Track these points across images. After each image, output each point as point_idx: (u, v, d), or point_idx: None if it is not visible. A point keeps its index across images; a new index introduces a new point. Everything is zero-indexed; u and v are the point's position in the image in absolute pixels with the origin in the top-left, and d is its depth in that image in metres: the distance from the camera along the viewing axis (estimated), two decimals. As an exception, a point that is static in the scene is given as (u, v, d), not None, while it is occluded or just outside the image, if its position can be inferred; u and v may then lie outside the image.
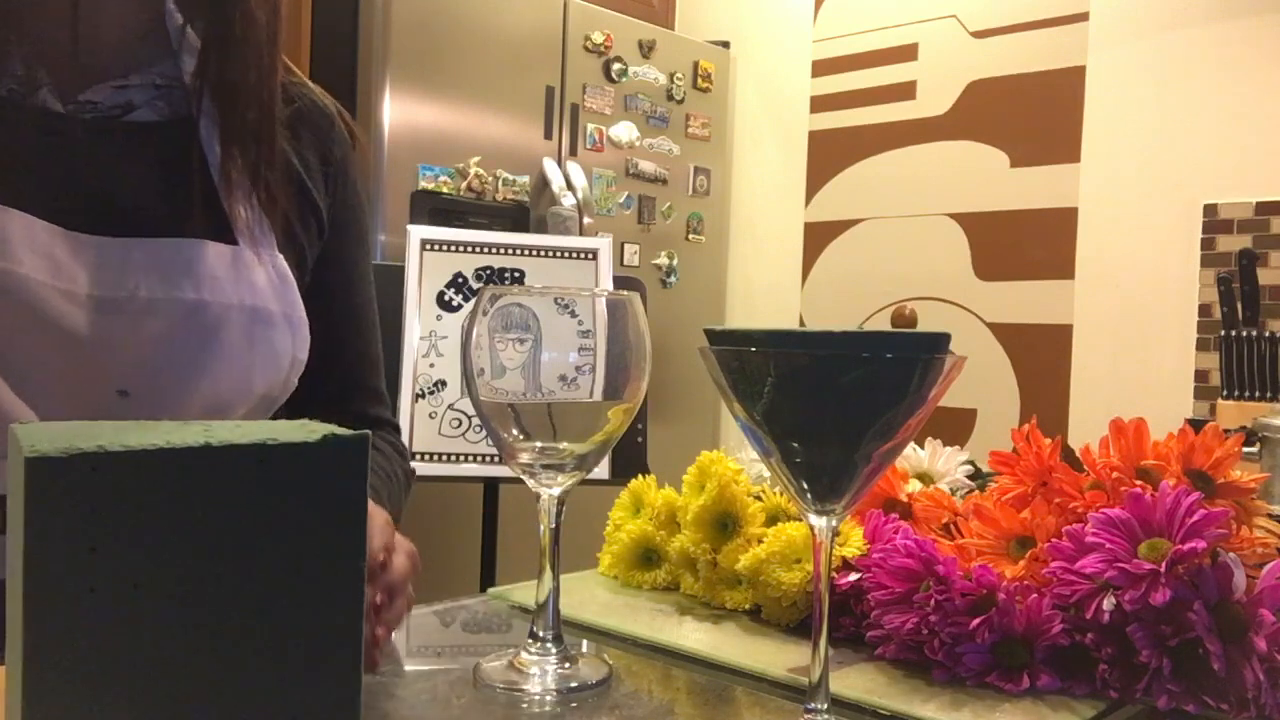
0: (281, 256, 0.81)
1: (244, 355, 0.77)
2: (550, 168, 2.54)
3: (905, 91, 2.88)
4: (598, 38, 2.71)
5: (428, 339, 1.63)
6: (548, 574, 0.58)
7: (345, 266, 0.92)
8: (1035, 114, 2.65)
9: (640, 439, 1.67)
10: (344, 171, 0.92)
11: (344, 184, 0.92)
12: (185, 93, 0.79)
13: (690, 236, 2.98)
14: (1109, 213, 2.54)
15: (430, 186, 2.34)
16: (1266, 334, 1.80)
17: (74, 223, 0.72)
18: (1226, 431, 0.67)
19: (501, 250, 1.69)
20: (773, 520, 0.71)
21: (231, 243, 0.77)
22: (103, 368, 0.72)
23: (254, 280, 0.78)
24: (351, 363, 0.93)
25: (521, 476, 0.58)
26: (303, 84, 0.92)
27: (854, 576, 0.65)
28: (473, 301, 0.58)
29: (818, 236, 3.07)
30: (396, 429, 1.00)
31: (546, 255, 1.71)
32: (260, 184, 0.79)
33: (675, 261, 2.92)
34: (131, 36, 0.79)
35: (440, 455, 1.59)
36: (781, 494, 0.73)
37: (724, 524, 0.72)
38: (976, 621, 0.57)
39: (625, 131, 2.78)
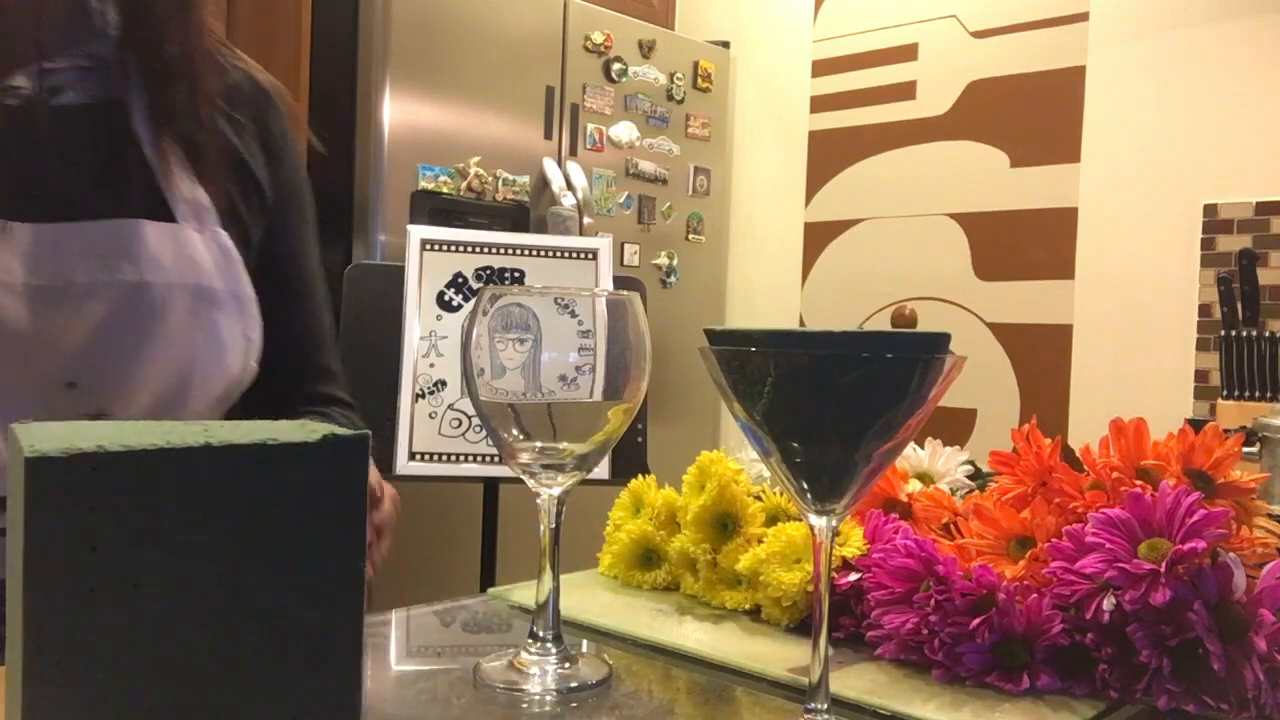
0: (225, 233, 0.79)
1: (191, 337, 0.75)
2: (550, 168, 2.54)
3: (905, 91, 2.88)
4: (598, 38, 2.71)
5: (428, 339, 1.63)
6: (548, 574, 0.58)
7: (291, 244, 0.90)
8: (1035, 114, 2.65)
9: (640, 439, 1.67)
10: (284, 147, 0.90)
11: (285, 160, 0.90)
12: (112, 72, 0.77)
13: (690, 236, 2.98)
14: (1109, 213, 2.54)
15: (430, 186, 2.34)
16: (1266, 334, 1.80)
17: (4, 212, 0.71)
18: (1226, 431, 0.67)
19: (501, 250, 1.69)
20: (773, 520, 0.71)
21: (171, 222, 0.75)
22: (47, 360, 0.71)
23: (196, 258, 0.76)
24: (302, 342, 0.91)
25: (521, 476, 0.58)
26: (240, 60, 0.89)
27: (854, 576, 0.65)
28: (473, 301, 0.58)
29: (818, 236, 3.07)
30: (351, 406, 0.98)
31: (546, 255, 1.71)
32: (197, 159, 0.78)
33: (675, 261, 2.92)
34: (53, 18, 0.77)
35: (440, 455, 1.59)
36: (781, 494, 0.73)
37: (724, 524, 0.72)
38: (976, 621, 0.57)
39: (625, 131, 2.78)
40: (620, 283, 1.80)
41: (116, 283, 0.72)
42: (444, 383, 1.62)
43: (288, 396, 0.88)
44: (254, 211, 0.85)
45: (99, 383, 0.72)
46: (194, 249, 0.76)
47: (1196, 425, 0.67)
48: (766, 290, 3.18)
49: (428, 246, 1.67)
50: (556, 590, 0.59)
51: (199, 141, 0.78)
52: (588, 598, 0.73)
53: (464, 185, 2.40)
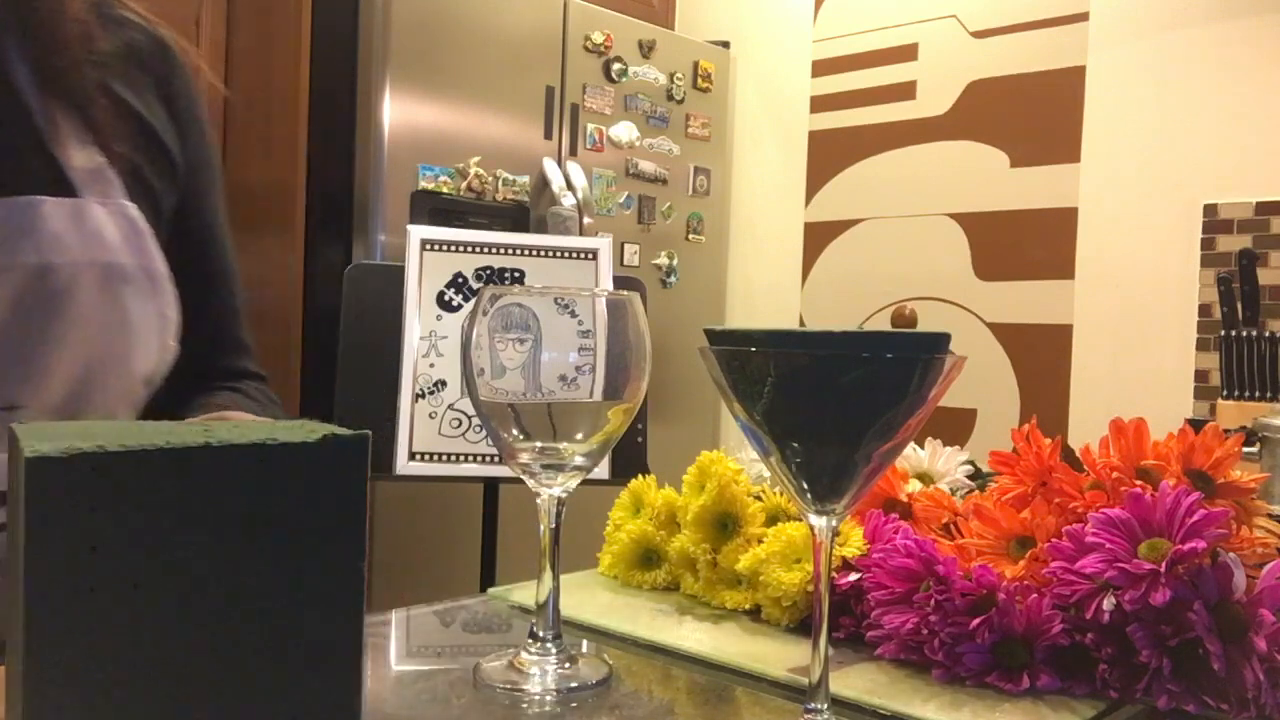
0: (133, 205, 0.74)
1: (103, 318, 0.70)
2: (550, 168, 2.54)
3: (905, 91, 2.88)
4: (598, 38, 2.71)
5: (428, 339, 1.63)
6: (548, 574, 0.58)
7: (204, 214, 0.86)
8: (1035, 114, 2.65)
9: (640, 439, 1.67)
10: (189, 108, 0.84)
11: (190, 122, 0.84)
12: None
13: (690, 236, 2.98)
14: (1109, 213, 2.54)
15: (430, 186, 2.34)
16: (1266, 334, 1.80)
17: None
18: (1226, 431, 0.67)
19: (501, 250, 1.69)
20: (773, 520, 0.71)
21: (72, 195, 0.70)
22: None
23: (102, 234, 0.71)
24: (218, 315, 0.87)
25: (521, 476, 0.58)
26: (134, 13, 0.83)
27: (854, 576, 0.65)
28: (473, 301, 0.58)
29: (818, 236, 3.07)
30: (264, 379, 0.94)
31: (546, 255, 1.71)
32: (93, 126, 0.72)
33: (675, 261, 2.92)
34: None
35: (440, 455, 1.59)
36: (781, 494, 0.73)
37: (724, 524, 0.72)
38: (976, 621, 0.57)
39: (625, 131, 2.78)
40: (620, 283, 1.80)
41: (17, 265, 0.66)
42: (444, 383, 1.62)
43: (201, 371, 0.84)
44: (164, 180, 0.80)
45: (6, 372, 0.67)
46: (99, 224, 0.71)
47: (1196, 425, 0.67)
48: (766, 290, 3.18)
49: (428, 246, 1.67)
50: (556, 590, 0.59)
51: (92, 106, 0.72)
52: (588, 598, 0.73)
53: (464, 185, 2.40)
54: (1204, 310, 2.38)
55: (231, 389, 0.87)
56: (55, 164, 0.70)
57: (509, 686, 0.56)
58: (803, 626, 0.66)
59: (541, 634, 0.58)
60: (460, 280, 1.67)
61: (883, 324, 2.81)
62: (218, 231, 0.87)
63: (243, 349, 0.90)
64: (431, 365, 1.63)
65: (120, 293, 0.71)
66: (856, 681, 0.57)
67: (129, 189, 0.74)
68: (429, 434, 1.60)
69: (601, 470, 1.51)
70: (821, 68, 3.06)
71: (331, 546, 0.40)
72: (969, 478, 0.83)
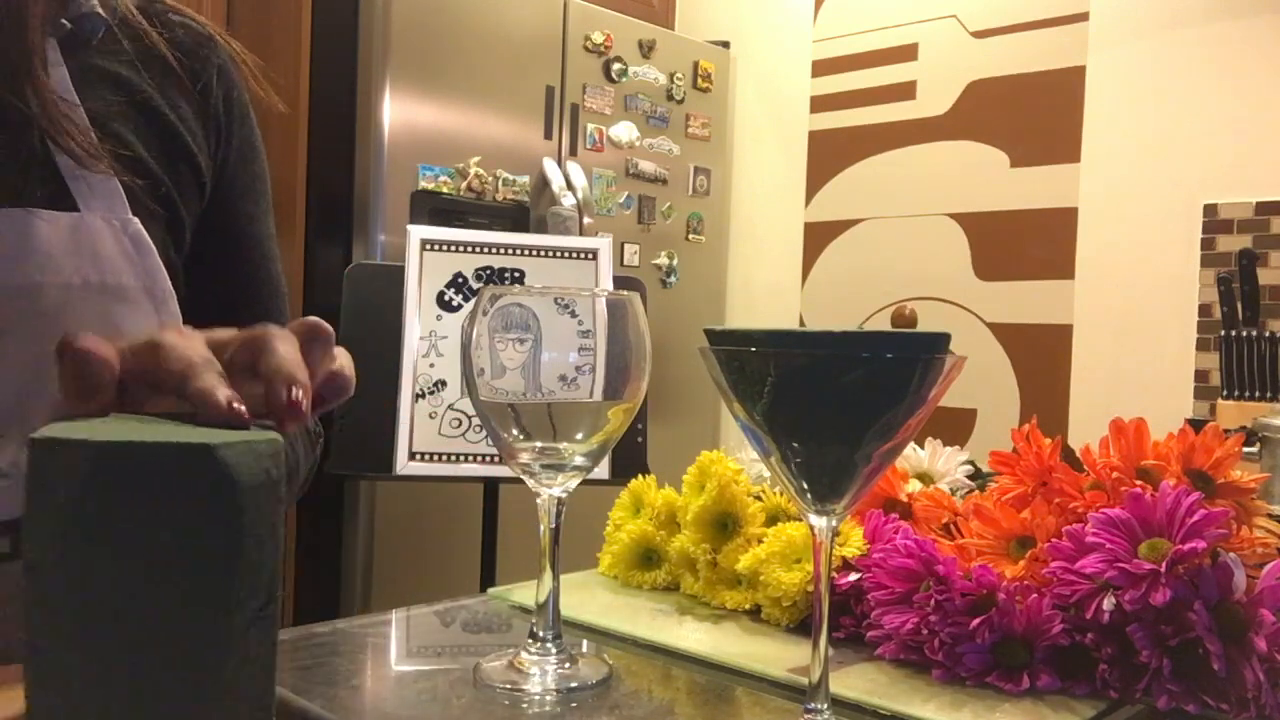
0: (136, 220, 0.67)
1: None
2: (550, 168, 2.54)
3: (905, 91, 2.88)
4: (598, 38, 2.71)
5: (428, 339, 1.63)
6: (548, 574, 0.58)
7: (241, 226, 0.78)
8: (1035, 114, 2.65)
9: (640, 439, 1.67)
10: (231, 110, 0.77)
11: (233, 125, 0.77)
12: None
13: (690, 236, 2.98)
14: (1109, 213, 2.54)
15: (430, 186, 2.34)
16: (1266, 334, 1.80)
17: None
18: (1226, 431, 0.67)
19: (501, 250, 1.69)
20: (773, 520, 0.71)
21: (70, 209, 0.64)
22: None
23: (100, 251, 0.65)
24: None
25: (521, 476, 0.58)
26: (176, 10, 0.77)
27: (854, 576, 0.65)
28: (473, 301, 0.58)
29: (818, 236, 3.07)
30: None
31: (546, 255, 1.71)
32: (101, 130, 0.66)
33: (675, 261, 2.92)
34: None
35: (440, 455, 1.59)
36: (781, 494, 0.73)
37: (724, 524, 0.72)
38: (976, 621, 0.57)
39: (625, 131, 2.78)
40: (620, 283, 1.80)
41: (1, 287, 0.61)
42: (444, 383, 1.62)
43: None
44: (187, 190, 0.73)
45: None
46: (99, 241, 0.65)
47: (1196, 425, 0.67)
48: (766, 290, 3.18)
49: (428, 246, 1.67)
50: (556, 590, 0.59)
51: (109, 113, 0.66)
52: (588, 598, 0.73)
53: (464, 185, 2.40)
54: (1204, 310, 2.38)
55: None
56: (57, 174, 0.65)
57: (509, 686, 0.56)
58: (803, 626, 0.66)
59: (541, 634, 0.59)
60: (460, 280, 1.67)
61: (883, 324, 2.81)
62: (255, 246, 0.80)
63: None
64: (431, 365, 1.63)
65: (116, 314, 0.65)
66: (856, 681, 0.57)
67: (137, 200, 0.69)
68: (429, 434, 1.60)
69: (601, 470, 1.51)
70: (821, 68, 3.06)
71: (186, 560, 0.36)
72: (969, 478, 0.83)
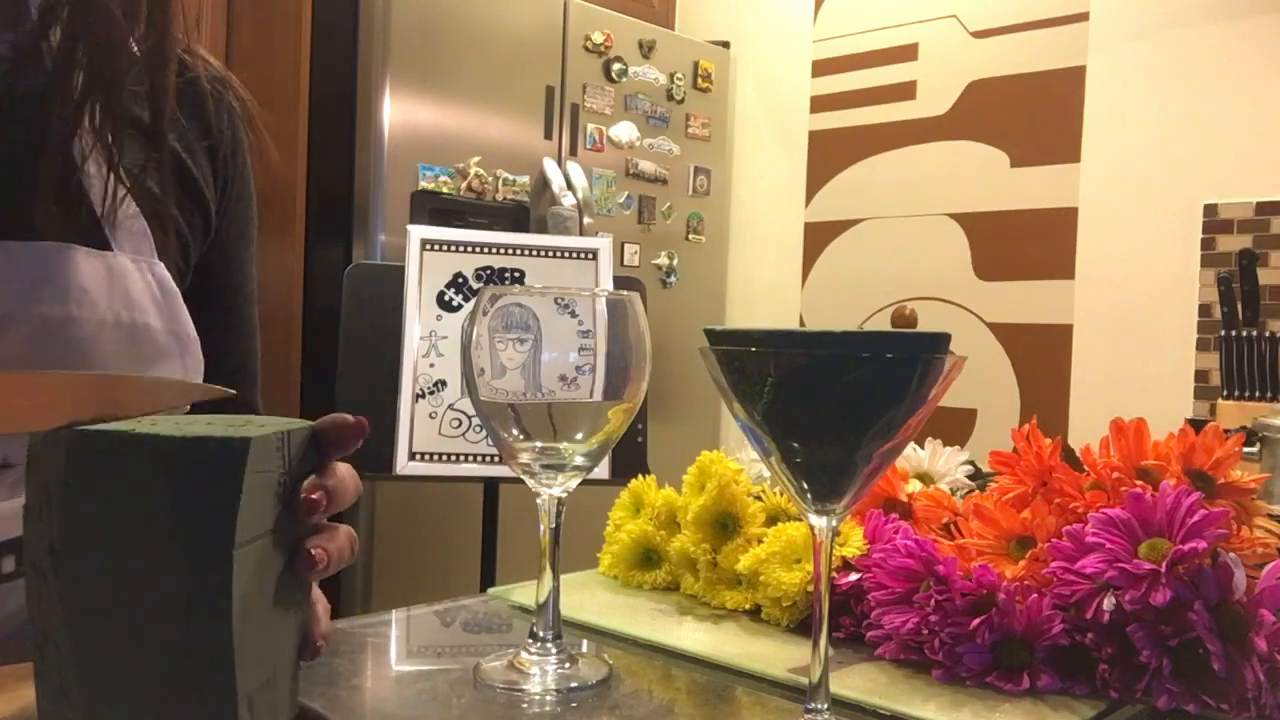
0: (161, 264, 0.68)
1: None
2: (550, 168, 2.54)
3: (905, 91, 2.88)
4: (598, 38, 2.71)
5: (428, 339, 1.63)
6: (548, 574, 0.58)
7: (231, 268, 0.80)
8: (1035, 114, 2.65)
9: (640, 439, 1.67)
10: (234, 153, 0.78)
11: (234, 169, 0.78)
12: (44, 63, 0.63)
13: (690, 236, 2.98)
14: (1109, 213, 2.54)
15: (430, 186, 2.34)
16: (1266, 334, 1.80)
17: None
18: (1226, 431, 0.67)
19: (501, 250, 1.69)
20: (773, 520, 0.71)
21: (101, 247, 0.65)
22: None
23: (132, 293, 0.65)
24: (233, 377, 0.79)
25: (521, 476, 0.58)
26: (194, 54, 0.76)
27: (854, 576, 0.65)
28: (473, 301, 0.58)
29: (818, 236, 3.07)
30: None
31: (546, 255, 1.71)
32: (142, 174, 0.66)
33: (675, 261, 2.92)
34: None
35: (440, 455, 1.59)
36: (781, 494, 0.73)
37: (724, 524, 0.72)
38: (976, 621, 0.57)
39: (625, 131, 2.78)
40: (620, 283, 1.80)
41: (34, 317, 0.61)
42: (444, 383, 1.62)
43: None
44: (196, 232, 0.75)
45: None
46: (130, 282, 0.65)
47: (1196, 425, 0.67)
48: (766, 290, 3.18)
49: (428, 246, 1.67)
50: (556, 590, 0.59)
51: (146, 150, 0.66)
52: (588, 598, 0.73)
53: (464, 185, 2.40)
54: (1204, 310, 2.38)
55: None
56: (91, 212, 0.65)
57: (509, 686, 0.56)
58: (803, 626, 0.66)
59: (541, 634, 0.59)
60: (460, 280, 1.67)
61: (883, 324, 2.82)
62: (241, 288, 0.81)
63: (254, 412, 0.83)
64: (431, 365, 1.63)
65: (145, 356, 0.66)
66: (856, 681, 0.57)
67: (163, 243, 0.69)
68: (429, 434, 1.60)
69: (601, 470, 1.51)
70: (821, 68, 3.06)
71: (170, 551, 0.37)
72: (969, 478, 0.83)
